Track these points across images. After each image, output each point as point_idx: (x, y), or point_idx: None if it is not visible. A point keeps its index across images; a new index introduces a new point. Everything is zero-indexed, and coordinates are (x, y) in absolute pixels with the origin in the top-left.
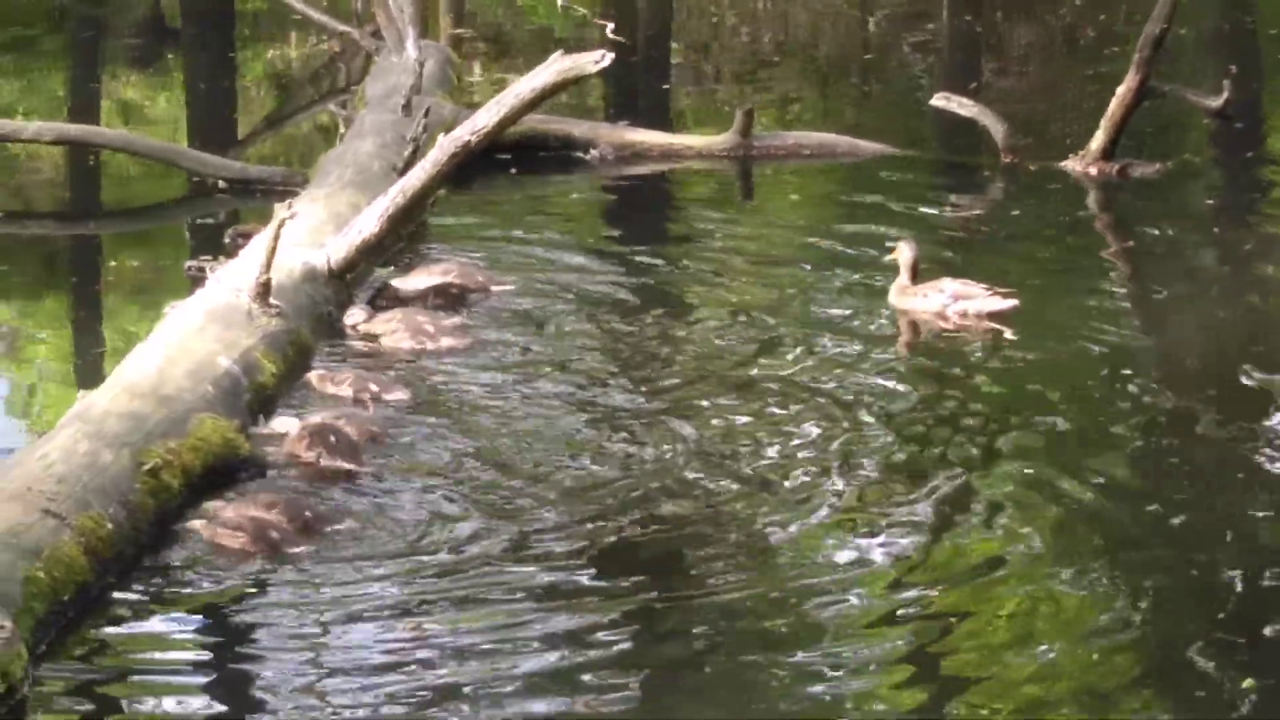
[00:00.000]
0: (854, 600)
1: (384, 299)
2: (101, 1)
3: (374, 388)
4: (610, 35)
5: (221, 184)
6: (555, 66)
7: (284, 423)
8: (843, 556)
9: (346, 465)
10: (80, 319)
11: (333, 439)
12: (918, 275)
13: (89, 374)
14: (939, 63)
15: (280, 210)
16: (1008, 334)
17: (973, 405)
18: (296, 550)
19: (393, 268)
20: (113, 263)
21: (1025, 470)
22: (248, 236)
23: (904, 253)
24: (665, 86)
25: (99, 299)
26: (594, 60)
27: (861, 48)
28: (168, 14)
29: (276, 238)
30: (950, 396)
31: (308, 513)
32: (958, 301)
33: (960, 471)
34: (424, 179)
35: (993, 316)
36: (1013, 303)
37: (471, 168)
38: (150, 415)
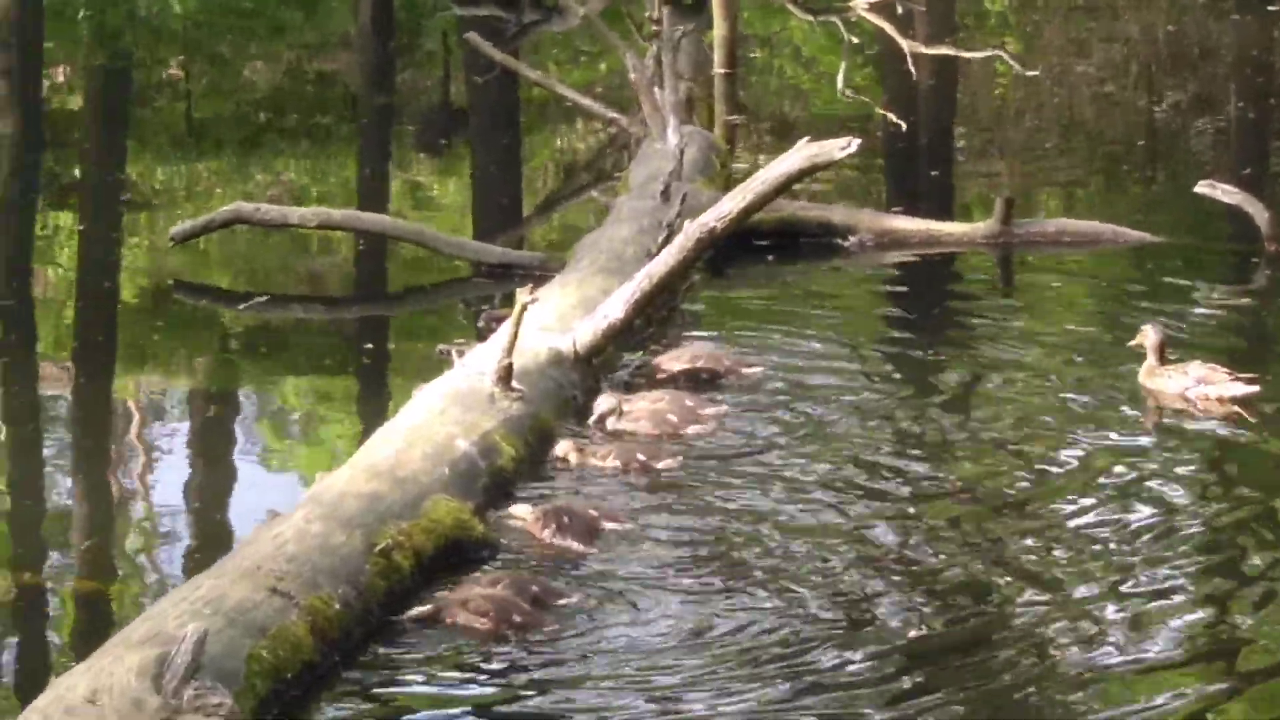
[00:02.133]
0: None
1: (635, 382)
2: (392, 90)
3: (643, 457)
4: (893, 121)
5: (496, 267)
6: (802, 153)
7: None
8: (1116, 646)
9: (577, 546)
10: (337, 401)
11: (566, 520)
12: (1164, 357)
13: (342, 455)
14: (1224, 150)
15: (522, 295)
16: (1248, 418)
17: (1219, 489)
18: (532, 631)
19: (641, 352)
20: (369, 345)
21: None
22: (500, 320)
23: (1150, 336)
24: (934, 173)
25: (358, 382)
26: (841, 146)
27: (1146, 135)
28: (456, 102)
29: (518, 322)
30: (1200, 480)
31: (535, 587)
32: (1199, 385)
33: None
34: (670, 265)
35: (1235, 401)
36: (1255, 388)
37: (729, 253)
38: (385, 497)
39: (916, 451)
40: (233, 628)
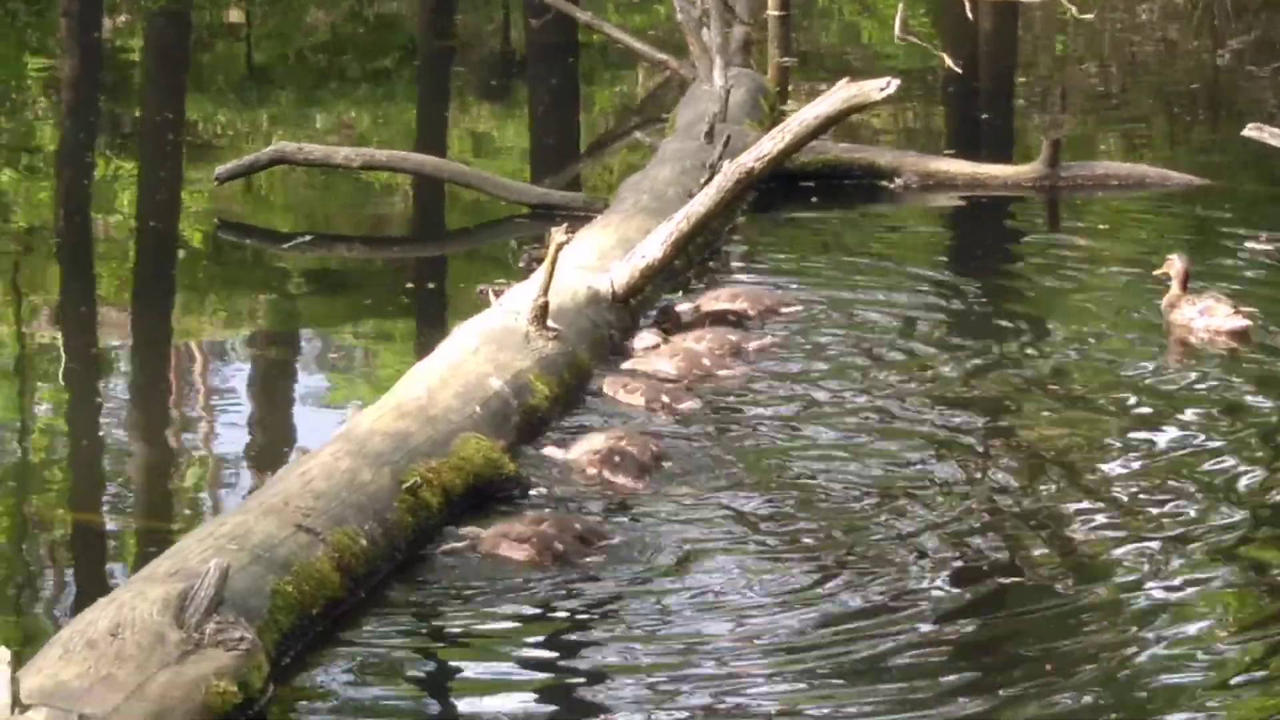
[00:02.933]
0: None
1: (669, 322)
2: (452, 35)
3: (666, 398)
4: (950, 65)
5: (540, 207)
6: (840, 94)
7: (553, 450)
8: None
9: (627, 483)
10: (388, 340)
11: (616, 459)
12: (1187, 286)
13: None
14: None
15: (556, 235)
16: (1243, 350)
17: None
18: (568, 565)
19: (681, 292)
20: (410, 284)
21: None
22: (541, 260)
23: (1175, 264)
24: (984, 116)
25: (408, 321)
26: (879, 88)
27: (1206, 80)
28: (515, 46)
29: (554, 262)
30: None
31: (579, 525)
32: (1202, 316)
33: None
34: (709, 205)
35: (1230, 334)
36: (1244, 323)
37: (774, 195)
38: (414, 434)
39: (955, 393)
40: (257, 563)
